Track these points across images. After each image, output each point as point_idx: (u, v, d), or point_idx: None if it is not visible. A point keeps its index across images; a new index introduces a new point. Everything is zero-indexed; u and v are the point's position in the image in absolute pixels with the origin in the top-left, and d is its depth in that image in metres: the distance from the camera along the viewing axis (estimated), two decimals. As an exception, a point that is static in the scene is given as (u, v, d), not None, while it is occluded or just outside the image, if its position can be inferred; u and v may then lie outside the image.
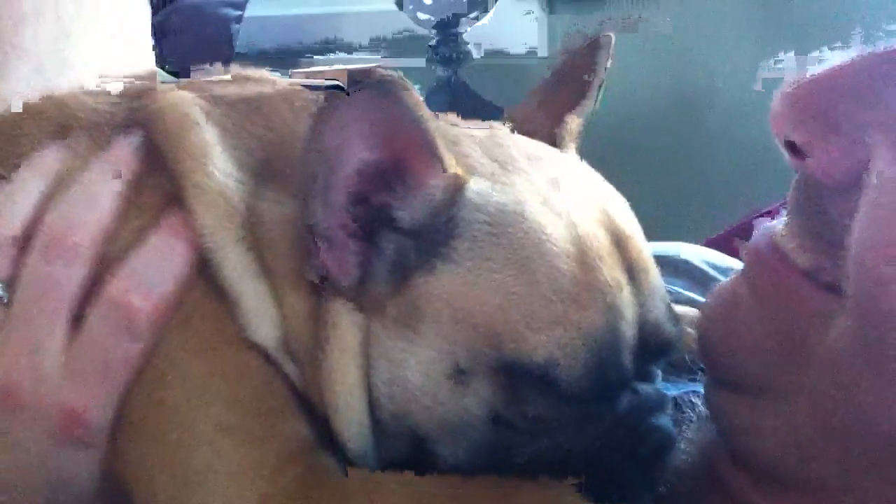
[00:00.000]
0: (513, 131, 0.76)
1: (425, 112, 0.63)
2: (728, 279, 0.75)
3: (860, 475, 0.61)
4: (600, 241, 0.67)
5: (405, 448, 0.69)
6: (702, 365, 0.77)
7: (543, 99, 0.83)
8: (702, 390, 0.78)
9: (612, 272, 0.66)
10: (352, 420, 0.68)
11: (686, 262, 1.07)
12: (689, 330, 0.77)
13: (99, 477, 0.70)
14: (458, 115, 0.78)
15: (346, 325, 0.68)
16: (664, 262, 0.76)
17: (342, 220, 0.66)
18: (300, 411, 0.69)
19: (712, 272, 1.05)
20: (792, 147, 0.64)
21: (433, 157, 0.65)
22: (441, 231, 0.66)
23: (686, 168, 2.76)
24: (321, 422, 0.69)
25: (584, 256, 0.66)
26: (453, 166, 0.66)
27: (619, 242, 0.69)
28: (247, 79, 0.81)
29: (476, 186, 0.67)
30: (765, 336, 0.67)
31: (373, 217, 0.67)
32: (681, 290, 0.99)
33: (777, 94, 0.64)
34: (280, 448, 0.67)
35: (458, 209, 0.66)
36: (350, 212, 0.66)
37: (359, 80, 0.61)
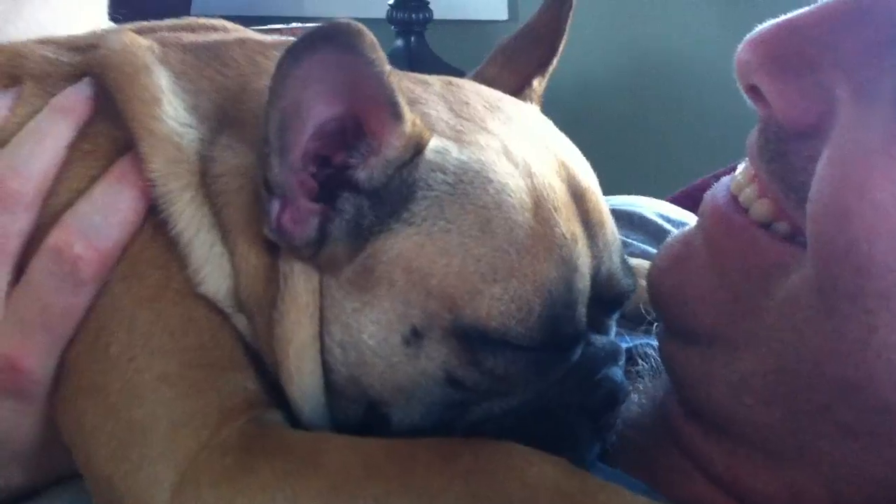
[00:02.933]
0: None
1: (387, 67, 0.62)
2: (681, 231, 0.76)
3: (809, 418, 0.62)
4: (557, 194, 0.67)
5: (359, 410, 0.68)
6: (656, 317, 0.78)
7: (508, 58, 0.82)
8: (656, 342, 0.79)
9: (568, 225, 0.66)
10: (303, 380, 0.67)
11: (641, 216, 1.07)
12: (643, 283, 0.78)
13: (40, 431, 0.70)
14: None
15: (300, 283, 0.67)
16: (620, 216, 0.77)
17: (300, 178, 0.65)
18: (248, 366, 0.68)
19: (667, 225, 1.06)
20: (755, 91, 0.65)
21: (394, 114, 0.64)
22: (400, 191, 0.65)
23: (643, 129, 2.78)
24: (273, 380, 0.69)
25: (540, 209, 0.66)
26: (414, 124, 0.65)
27: (577, 195, 0.69)
28: (204, 27, 0.80)
29: (436, 145, 0.66)
30: (719, 286, 0.67)
31: (332, 177, 0.66)
32: (636, 244, 1.00)
33: (744, 41, 0.65)
34: (223, 400, 0.66)
35: (418, 169, 0.65)
36: (309, 171, 0.65)
37: (321, 33, 0.59)
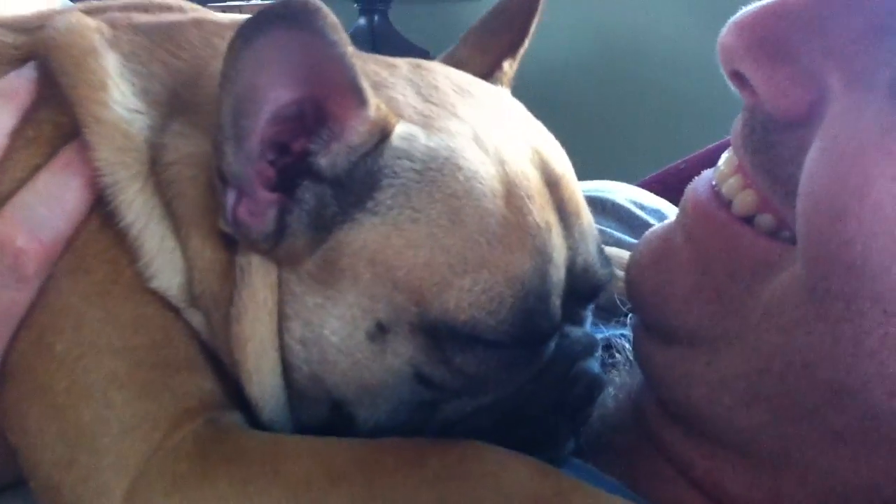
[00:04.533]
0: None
1: (349, 48, 0.58)
2: (660, 225, 0.73)
3: (795, 423, 0.60)
4: (530, 182, 0.64)
5: (322, 410, 0.65)
6: (631, 307, 0.76)
7: (478, 40, 0.79)
8: (630, 334, 0.77)
9: (542, 213, 0.64)
10: (262, 380, 0.64)
11: (613, 203, 1.05)
12: (619, 272, 0.76)
13: None
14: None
15: (258, 278, 0.63)
16: (591, 202, 0.74)
17: (258, 167, 0.61)
18: (204, 365, 0.65)
19: (639, 212, 1.04)
20: (739, 78, 0.62)
21: (357, 97, 0.60)
22: (364, 180, 0.62)
23: (614, 113, 2.77)
24: (231, 379, 0.66)
25: (512, 197, 0.63)
26: (378, 109, 0.62)
27: (551, 183, 0.66)
28: (159, 6, 0.75)
29: (403, 131, 0.63)
30: (701, 284, 0.65)
31: (291, 165, 0.62)
32: (608, 231, 0.98)
33: (727, 24, 0.62)
34: (177, 401, 0.63)
35: (383, 156, 0.62)
36: (266, 159, 0.62)
37: (275, 11, 0.55)
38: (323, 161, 0.62)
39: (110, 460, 0.61)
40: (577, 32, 2.78)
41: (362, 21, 2.76)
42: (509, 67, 0.79)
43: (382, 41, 2.62)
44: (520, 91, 0.79)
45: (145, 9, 0.74)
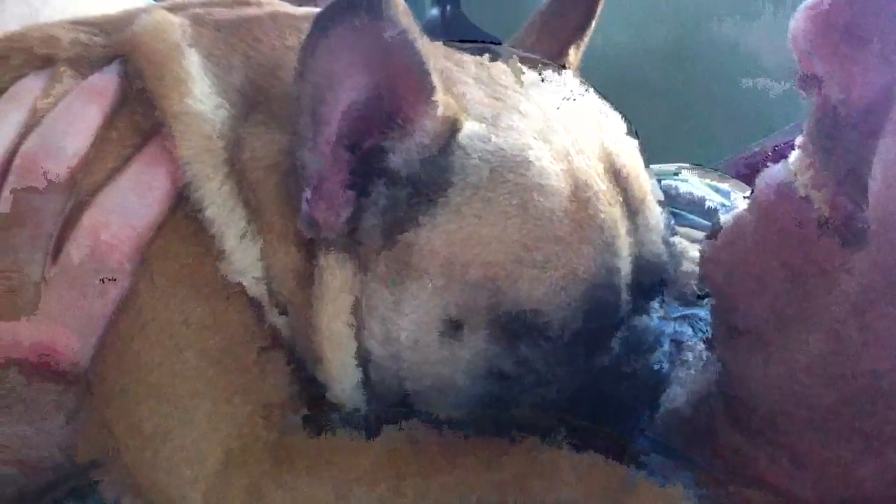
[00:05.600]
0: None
1: (421, 40, 0.60)
2: (733, 215, 0.73)
3: (860, 417, 0.60)
4: (598, 178, 0.65)
5: (397, 401, 0.67)
6: (700, 294, 0.76)
7: (544, 25, 0.80)
8: (702, 314, 0.77)
9: (608, 209, 0.65)
10: (342, 377, 0.66)
11: (687, 187, 1.05)
12: (695, 254, 0.76)
13: (75, 417, 0.68)
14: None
15: (334, 276, 0.65)
16: (665, 187, 0.74)
17: (332, 167, 0.63)
18: (282, 363, 0.67)
19: (713, 195, 1.03)
20: (811, 64, 0.61)
21: (426, 86, 0.62)
22: (434, 179, 0.63)
23: (683, 97, 2.73)
24: (308, 373, 0.67)
25: (580, 195, 0.64)
26: (448, 106, 0.63)
27: (618, 175, 0.67)
28: (238, 2, 0.77)
29: (472, 129, 0.64)
30: (770, 276, 0.65)
31: (364, 164, 0.64)
32: (683, 214, 0.98)
33: (798, 9, 0.61)
34: (254, 404, 0.65)
35: (453, 155, 0.63)
36: (341, 158, 0.63)
37: (349, 1, 0.57)
38: (394, 160, 0.64)
39: (193, 454, 0.63)
40: (648, 12, 2.75)
41: (434, 11, 2.78)
42: (576, 51, 0.79)
43: (455, 31, 2.63)
44: (590, 74, 0.79)
45: (225, 4, 0.77)
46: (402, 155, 0.63)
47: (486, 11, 2.78)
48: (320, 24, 0.58)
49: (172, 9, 0.75)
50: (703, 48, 2.77)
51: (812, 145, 0.63)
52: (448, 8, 2.76)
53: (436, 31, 2.67)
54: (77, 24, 0.76)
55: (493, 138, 0.64)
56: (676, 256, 0.70)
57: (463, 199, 0.63)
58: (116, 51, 0.73)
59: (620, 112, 0.73)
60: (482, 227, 0.63)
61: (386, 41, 0.59)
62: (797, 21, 0.61)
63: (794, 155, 0.66)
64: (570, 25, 0.79)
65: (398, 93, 0.62)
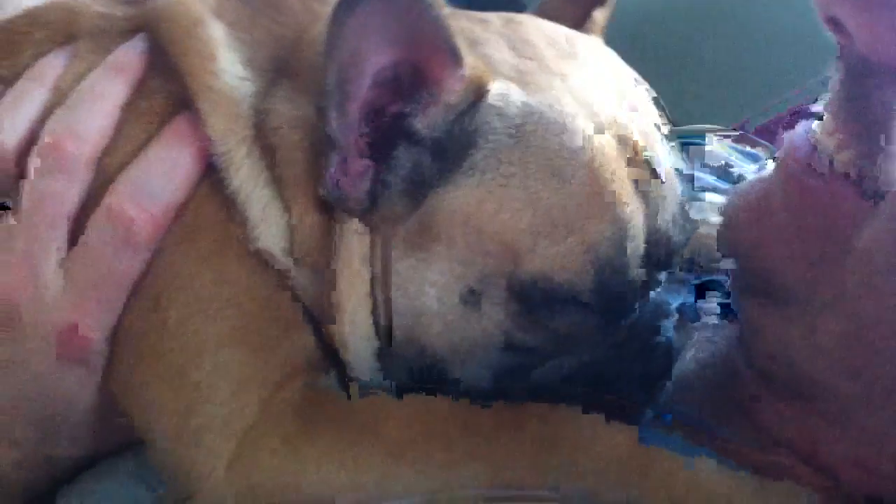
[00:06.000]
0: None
1: (444, 9, 0.60)
2: (757, 178, 0.72)
3: (886, 390, 0.59)
4: (615, 149, 0.65)
5: (415, 372, 0.67)
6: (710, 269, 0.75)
7: None
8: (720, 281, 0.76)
9: (622, 184, 0.64)
10: (357, 342, 0.66)
11: (710, 149, 1.04)
12: (714, 219, 0.75)
13: (97, 400, 0.69)
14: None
15: (355, 243, 0.65)
16: (687, 149, 0.74)
17: (357, 134, 0.63)
18: (307, 326, 0.67)
19: (736, 157, 1.03)
20: (835, 23, 0.60)
21: (453, 57, 0.62)
22: (460, 141, 0.63)
23: (714, 56, 2.70)
24: (327, 341, 0.68)
25: (597, 165, 0.63)
26: (474, 67, 0.63)
27: (636, 147, 0.66)
28: None
29: (498, 89, 0.64)
30: (798, 241, 0.64)
31: (389, 130, 0.64)
32: (705, 178, 0.97)
33: None
34: (283, 362, 0.66)
35: (479, 114, 0.63)
36: (366, 126, 0.63)
37: None
38: (419, 123, 0.63)
39: (220, 420, 0.64)
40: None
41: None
42: (601, 15, 0.78)
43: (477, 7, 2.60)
44: (617, 36, 0.79)
45: None
46: (428, 119, 0.63)
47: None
48: (346, 2, 0.58)
49: None
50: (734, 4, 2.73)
51: (836, 101, 0.62)
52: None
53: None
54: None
55: (520, 97, 0.64)
56: (691, 229, 0.70)
57: (485, 163, 0.63)
58: (139, 23, 0.72)
59: (645, 73, 0.72)
60: (502, 191, 0.62)
61: (409, 15, 0.59)
62: None
63: (818, 118, 0.65)
64: None
65: (424, 63, 0.62)
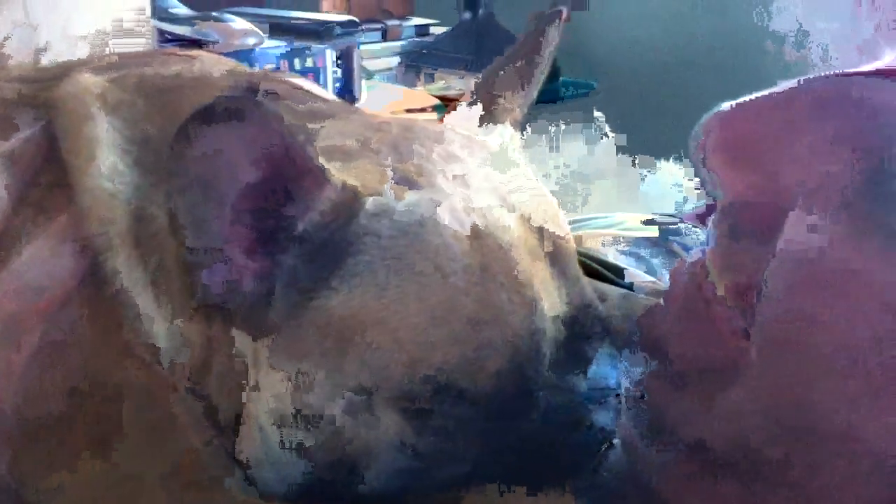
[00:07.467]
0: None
1: (293, 128, 0.58)
2: (661, 291, 0.71)
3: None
4: (510, 250, 0.63)
5: (315, 479, 0.65)
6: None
7: (494, 72, 0.78)
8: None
9: (519, 287, 0.63)
10: (249, 448, 0.66)
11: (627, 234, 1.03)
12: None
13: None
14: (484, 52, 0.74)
15: (233, 350, 0.65)
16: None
17: (233, 237, 0.61)
18: (199, 427, 0.67)
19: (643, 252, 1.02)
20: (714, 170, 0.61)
21: (318, 179, 0.61)
22: (333, 253, 0.62)
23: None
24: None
25: (495, 255, 0.62)
26: (345, 188, 0.62)
27: (536, 247, 0.65)
28: (182, 57, 0.78)
29: (372, 206, 0.62)
30: (692, 361, 0.64)
31: (267, 234, 0.62)
32: (646, 258, 0.97)
33: (704, 117, 0.61)
34: (179, 456, 0.66)
35: (351, 231, 0.62)
36: (242, 224, 0.61)
37: (215, 108, 0.56)
38: (300, 226, 0.62)
39: None
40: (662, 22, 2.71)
41: (467, 15, 2.76)
42: (514, 103, 0.77)
43: (486, 34, 2.62)
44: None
45: (163, 63, 0.77)
46: (304, 225, 0.62)
47: (518, 17, 2.76)
48: (187, 134, 0.56)
49: (108, 67, 0.75)
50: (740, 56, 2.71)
51: (720, 235, 0.62)
52: (480, 12, 2.74)
53: (468, 34, 2.66)
54: (9, 76, 0.77)
55: (395, 215, 0.63)
56: (603, 304, 0.68)
57: (359, 277, 0.62)
58: (42, 110, 0.73)
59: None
60: (377, 305, 0.61)
61: (262, 142, 0.58)
62: (699, 129, 0.61)
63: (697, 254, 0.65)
64: (515, 78, 0.77)
65: (292, 178, 0.61)
